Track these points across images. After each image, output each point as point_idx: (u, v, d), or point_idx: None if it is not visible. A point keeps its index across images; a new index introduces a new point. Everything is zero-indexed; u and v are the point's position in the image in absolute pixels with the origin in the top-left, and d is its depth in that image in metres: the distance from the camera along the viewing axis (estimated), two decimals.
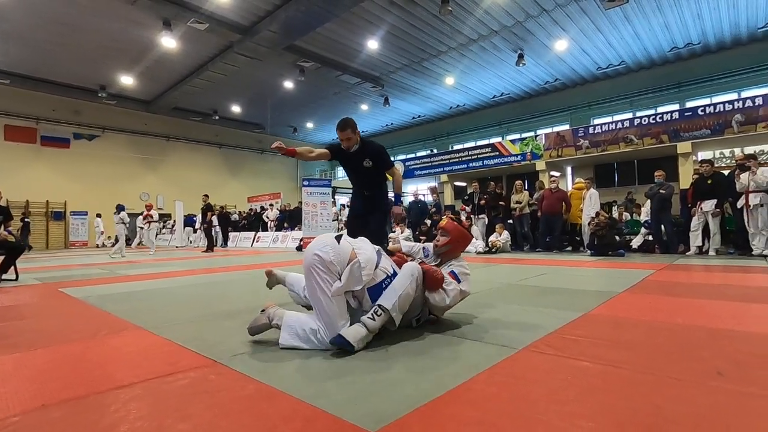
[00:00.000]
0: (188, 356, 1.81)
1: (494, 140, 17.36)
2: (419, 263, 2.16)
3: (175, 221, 18.75)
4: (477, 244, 8.87)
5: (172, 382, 1.49)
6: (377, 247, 2.08)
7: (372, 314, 1.85)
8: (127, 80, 16.94)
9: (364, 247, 1.99)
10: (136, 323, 2.50)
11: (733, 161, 9.16)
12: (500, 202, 9.47)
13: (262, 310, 2.02)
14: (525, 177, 13.98)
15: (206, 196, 12.28)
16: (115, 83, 17.36)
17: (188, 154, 23.22)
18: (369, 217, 3.49)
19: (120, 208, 10.68)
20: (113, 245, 11.19)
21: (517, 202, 9.15)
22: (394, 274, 2.02)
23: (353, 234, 3.45)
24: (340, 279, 1.83)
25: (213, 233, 13.45)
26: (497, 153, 15.48)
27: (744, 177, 6.46)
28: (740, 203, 6.56)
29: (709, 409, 1.19)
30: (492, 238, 8.91)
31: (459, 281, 2.21)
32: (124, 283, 4.70)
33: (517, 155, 15.02)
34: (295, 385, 1.43)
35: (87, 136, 19.70)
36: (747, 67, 13.87)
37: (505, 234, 8.89)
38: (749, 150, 11.03)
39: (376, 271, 1.94)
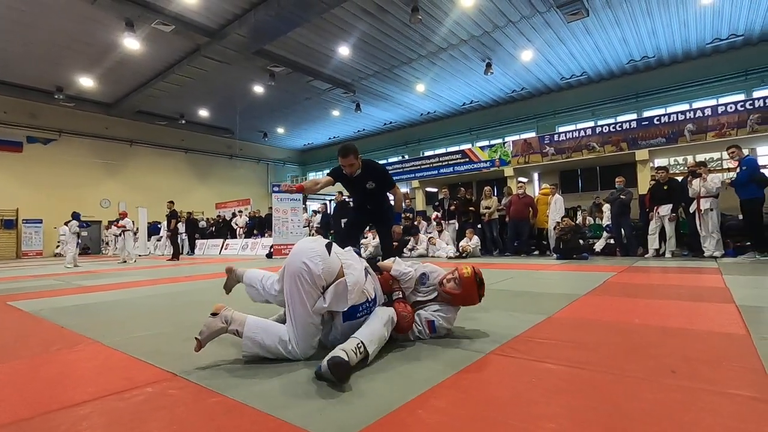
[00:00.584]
0: (147, 370, 1.73)
1: (464, 147, 17.72)
2: (396, 299, 1.99)
3: (138, 229, 18.03)
4: (447, 249, 8.98)
5: (127, 399, 1.41)
6: (365, 264, 1.96)
7: (355, 348, 1.61)
8: (86, 82, 16.23)
9: (353, 265, 1.83)
10: (92, 337, 2.37)
11: (686, 168, 9.70)
12: (470, 208, 9.64)
13: (214, 314, 1.82)
14: (494, 183, 14.33)
15: (171, 202, 11.88)
16: (73, 85, 16.58)
17: (153, 159, 22.43)
18: (367, 224, 3.56)
19: (75, 217, 10.15)
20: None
21: (487, 208, 9.34)
22: (374, 301, 1.90)
23: (346, 241, 3.37)
24: (323, 295, 1.73)
25: (179, 241, 13.02)
26: (467, 159, 15.80)
27: (696, 183, 6.85)
28: (692, 208, 6.95)
29: (663, 405, 1.24)
30: (462, 243, 9.04)
31: (434, 331, 2.04)
32: (80, 295, 4.46)
33: (486, 162, 15.37)
34: (258, 397, 1.39)
35: (42, 140, 18.69)
36: (697, 79, 14.78)
37: (475, 239, 9.05)
38: (700, 158, 11.74)
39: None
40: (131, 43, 12.32)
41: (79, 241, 10.18)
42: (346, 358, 1.50)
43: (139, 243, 17.13)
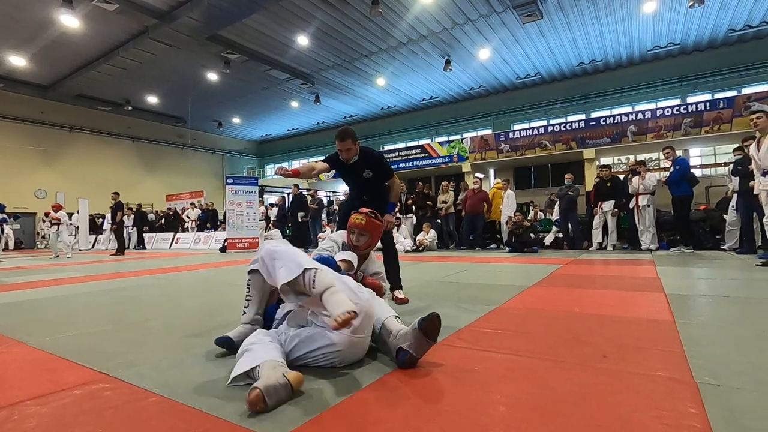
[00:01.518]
0: (77, 371, 1.62)
1: (423, 142, 17.90)
2: (363, 278, 2.10)
3: (78, 221, 16.84)
4: (405, 242, 9.06)
5: (50, 403, 1.31)
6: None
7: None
8: (17, 61, 14.86)
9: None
10: (16, 338, 2.18)
11: (628, 167, 10.34)
12: (427, 202, 9.78)
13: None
14: (452, 178, 14.61)
15: (116, 194, 11.18)
16: (2, 64, 15.12)
17: (95, 147, 20.97)
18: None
19: None
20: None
21: (443, 202, 9.51)
22: None
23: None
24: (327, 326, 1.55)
25: (125, 234, 12.30)
26: (426, 154, 15.98)
27: (635, 181, 7.33)
28: (632, 204, 7.43)
29: (593, 387, 1.31)
30: (419, 236, 9.16)
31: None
32: (7, 293, 4.10)
33: (444, 157, 15.62)
34: (196, 395, 1.33)
35: None
36: (639, 84, 15.78)
37: (432, 233, 9.20)
38: (641, 157, 12.55)
39: None
40: (69, 21, 11.41)
41: (2, 234, 9.43)
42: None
43: (80, 237, 16.03)
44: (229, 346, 1.76)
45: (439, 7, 11.76)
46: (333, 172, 3.23)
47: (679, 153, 7.53)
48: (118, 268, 6.89)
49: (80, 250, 14.97)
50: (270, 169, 28.52)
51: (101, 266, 7.34)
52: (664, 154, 7.11)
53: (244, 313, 1.87)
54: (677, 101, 14.39)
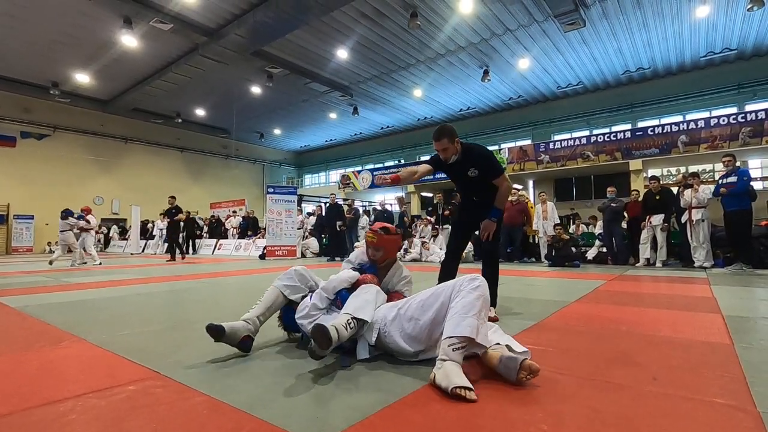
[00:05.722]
0: (131, 369, 1.72)
1: None
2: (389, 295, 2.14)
3: (131, 226, 17.90)
4: (441, 253, 8.97)
5: (109, 397, 1.40)
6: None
7: (345, 324, 1.75)
8: (82, 78, 16.15)
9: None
10: (77, 334, 2.35)
11: (676, 179, 9.80)
12: None
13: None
14: None
15: (173, 197, 11.84)
16: (69, 81, 16.50)
17: (147, 157, 22.32)
18: (478, 224, 3.07)
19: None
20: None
21: None
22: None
23: (455, 244, 3.16)
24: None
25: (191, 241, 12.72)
26: None
27: (687, 194, 6.92)
28: (684, 218, 7.01)
29: (640, 411, 1.25)
30: None
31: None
32: (69, 292, 4.42)
33: None
34: (241, 396, 1.38)
35: (36, 136, 18.57)
36: (691, 91, 14.96)
37: (468, 244, 9.06)
38: (693, 169, 11.85)
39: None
40: (129, 41, 12.30)
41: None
42: (332, 330, 1.61)
43: (131, 241, 17.03)
44: (217, 335, 1.85)
45: (478, 18, 11.73)
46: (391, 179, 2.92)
47: (738, 164, 7.03)
48: (167, 272, 7.25)
49: (131, 254, 15.89)
50: (308, 179, 29.22)
51: (152, 270, 7.75)
52: (723, 163, 6.65)
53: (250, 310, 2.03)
54: (734, 109, 13.51)
